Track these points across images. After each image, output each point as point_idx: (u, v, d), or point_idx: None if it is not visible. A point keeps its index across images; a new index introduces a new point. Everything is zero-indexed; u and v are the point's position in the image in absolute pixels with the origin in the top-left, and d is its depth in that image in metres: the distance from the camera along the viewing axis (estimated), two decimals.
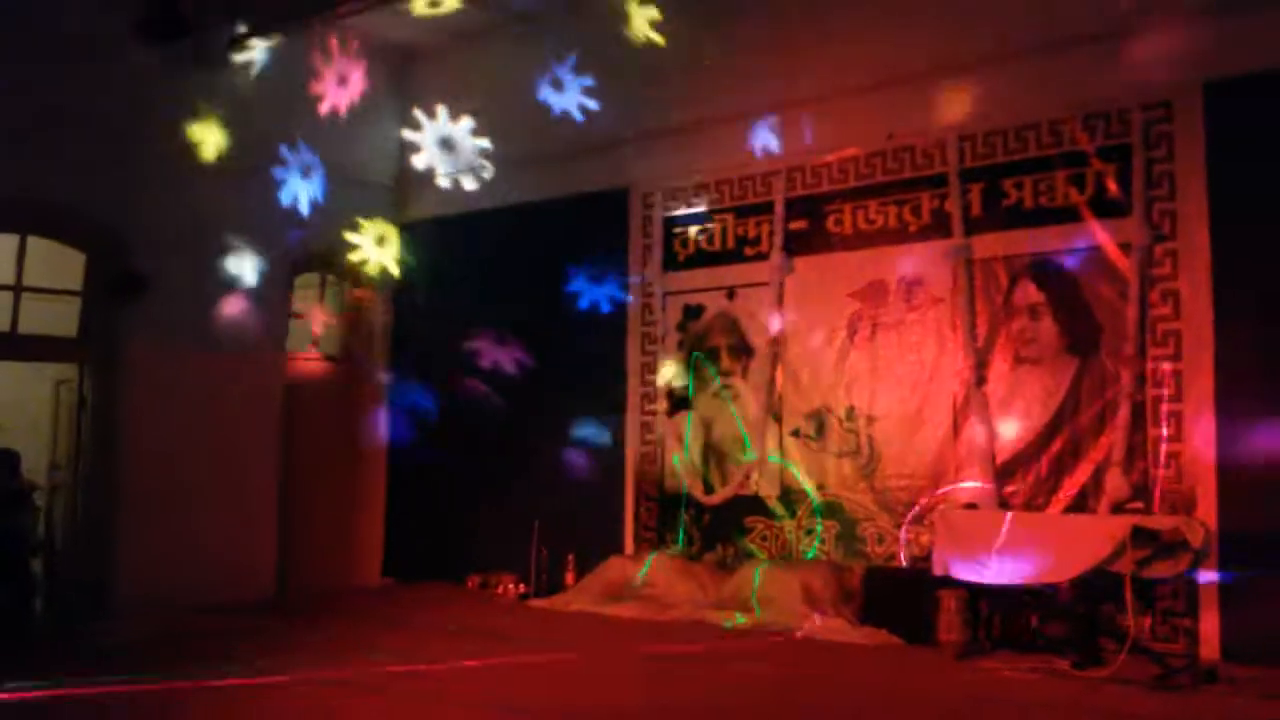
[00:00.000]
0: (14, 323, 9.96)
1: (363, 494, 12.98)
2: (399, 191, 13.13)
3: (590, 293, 11.59)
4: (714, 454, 10.84)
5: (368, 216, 12.23)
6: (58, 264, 10.36)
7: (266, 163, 11.16)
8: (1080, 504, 8.67)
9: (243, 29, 10.53)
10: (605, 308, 11.53)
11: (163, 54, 10.22)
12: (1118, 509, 8.39)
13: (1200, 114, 8.44)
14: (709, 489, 10.80)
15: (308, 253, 12.08)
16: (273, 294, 11.72)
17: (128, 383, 10.51)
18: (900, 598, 9.08)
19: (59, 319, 10.38)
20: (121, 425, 10.47)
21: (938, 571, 8.64)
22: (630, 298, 11.48)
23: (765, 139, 10.53)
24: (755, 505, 10.50)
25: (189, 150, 10.61)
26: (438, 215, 12.74)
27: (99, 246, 10.48)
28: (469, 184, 10.71)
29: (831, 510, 10.03)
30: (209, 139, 10.61)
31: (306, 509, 12.12)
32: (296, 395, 12.10)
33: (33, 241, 10.07)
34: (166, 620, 9.77)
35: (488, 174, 10.73)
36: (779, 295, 10.48)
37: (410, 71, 13.16)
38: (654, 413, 11.23)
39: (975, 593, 8.58)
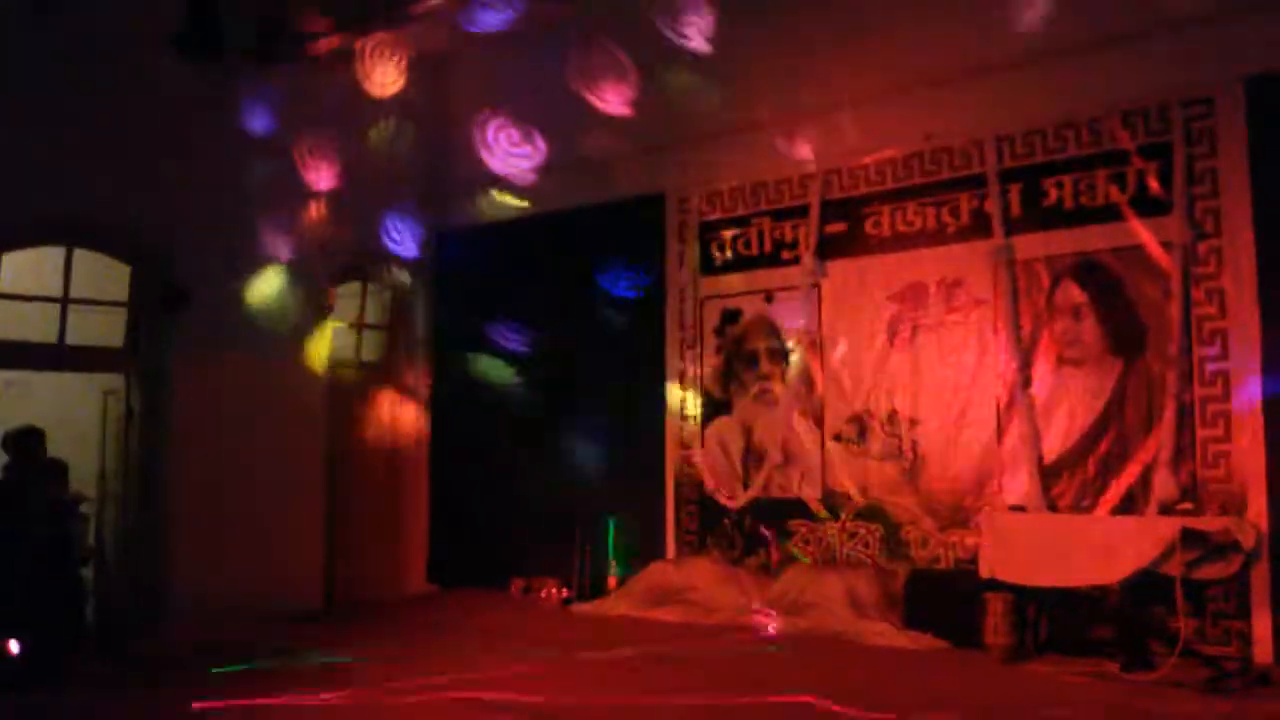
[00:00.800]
0: (61, 334, 10.07)
1: (406, 501, 13.06)
2: (436, 198, 13.17)
3: (627, 298, 11.60)
4: (754, 458, 10.82)
5: (405, 224, 12.40)
6: (104, 276, 10.47)
7: (310, 170, 11.27)
8: (1128, 505, 8.59)
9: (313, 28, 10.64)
10: (642, 312, 11.54)
11: (198, 66, 10.34)
12: (1166, 510, 8.32)
13: (1242, 109, 8.36)
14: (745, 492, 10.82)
15: (349, 261, 12.17)
16: (315, 302, 11.80)
17: (173, 394, 10.62)
18: (946, 601, 9.05)
19: (106, 331, 10.49)
20: (168, 436, 10.58)
21: (984, 574, 8.62)
22: (667, 303, 11.48)
23: (802, 142, 10.53)
24: (798, 508, 10.48)
25: (232, 161, 10.74)
26: (474, 222, 12.80)
27: (144, 258, 10.59)
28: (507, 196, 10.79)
29: (874, 514, 10.00)
30: None
31: (351, 517, 12.22)
32: (339, 403, 12.19)
33: (79, 254, 10.17)
34: (217, 630, 9.86)
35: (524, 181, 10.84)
36: (815, 298, 10.47)
37: (446, 78, 13.21)
38: (694, 417, 11.23)
39: (1022, 595, 8.53)
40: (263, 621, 10.26)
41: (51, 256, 10.13)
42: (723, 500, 10.87)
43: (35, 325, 9.99)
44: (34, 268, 10.13)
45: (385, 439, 12.83)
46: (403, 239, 12.42)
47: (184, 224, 10.60)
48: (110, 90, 10.09)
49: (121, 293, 10.57)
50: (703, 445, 11.15)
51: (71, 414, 10.87)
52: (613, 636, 9.56)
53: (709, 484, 11.03)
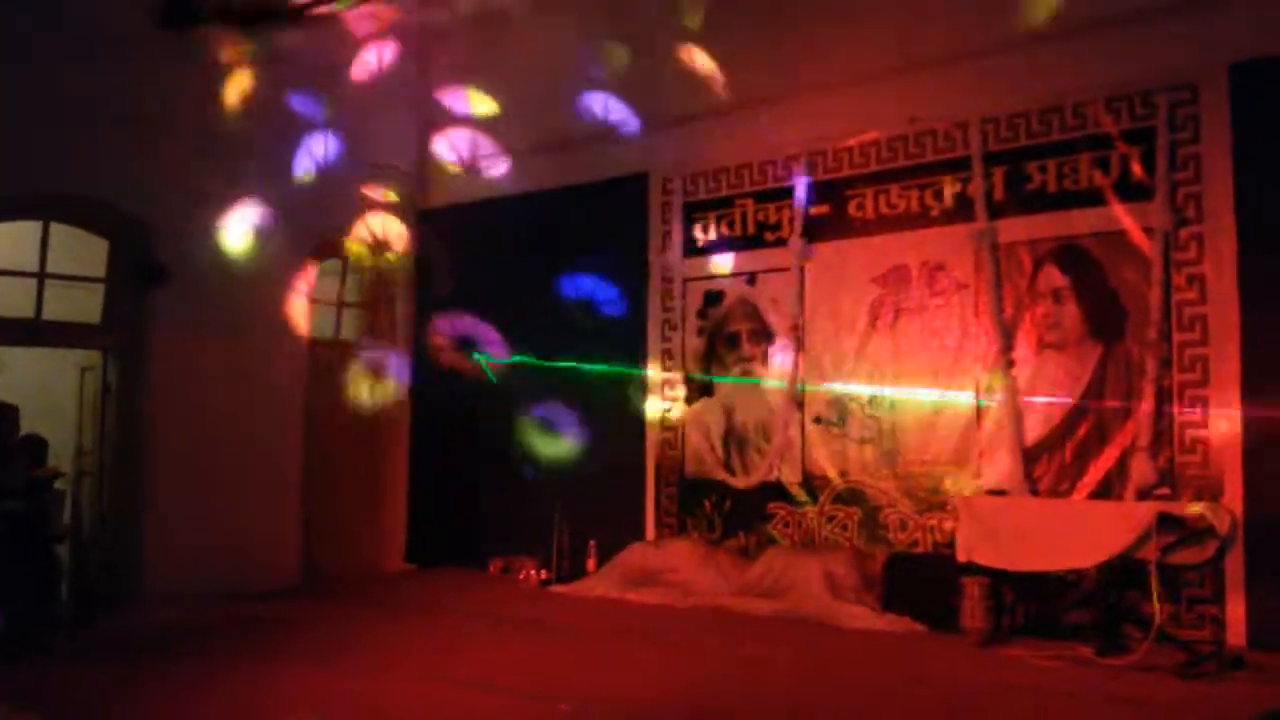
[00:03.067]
0: (38, 309, 9.99)
1: (385, 480, 13.03)
2: (419, 177, 13.09)
3: (610, 278, 11.56)
4: (735, 440, 10.81)
5: (387, 202, 12.34)
6: (81, 251, 10.39)
7: (290, 146, 11.19)
8: (1105, 490, 8.61)
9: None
10: (624, 293, 11.49)
11: (178, 37, 10.26)
12: (1143, 495, 8.34)
13: (1226, 96, 8.35)
14: (731, 475, 10.78)
15: (329, 238, 12.11)
16: (295, 280, 11.74)
17: (151, 369, 10.56)
18: (923, 584, 9.06)
19: (83, 306, 10.42)
20: (145, 412, 10.53)
21: (961, 558, 8.62)
22: (650, 284, 11.44)
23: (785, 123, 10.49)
24: (777, 491, 10.47)
25: (211, 136, 10.65)
26: (457, 201, 12.74)
27: (122, 234, 10.51)
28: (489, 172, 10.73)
29: (853, 497, 10.00)
30: None
31: (330, 495, 12.17)
32: (319, 381, 12.13)
33: (56, 228, 10.09)
34: (191, 607, 9.85)
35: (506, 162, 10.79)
36: (798, 281, 10.45)
37: (431, 55, 13.11)
38: (674, 399, 11.21)
39: (999, 579, 8.54)
40: (237, 599, 10.23)
41: (28, 231, 10.04)
42: (724, 480, 10.83)
43: (11, 300, 9.91)
44: (10, 242, 10.05)
45: (364, 417, 12.76)
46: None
47: (163, 199, 10.51)
48: (88, 62, 9.97)
49: (99, 268, 10.49)
50: (684, 427, 11.13)
51: (48, 390, 10.81)
52: (590, 617, 9.57)
53: (690, 467, 11.02)
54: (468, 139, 11.79)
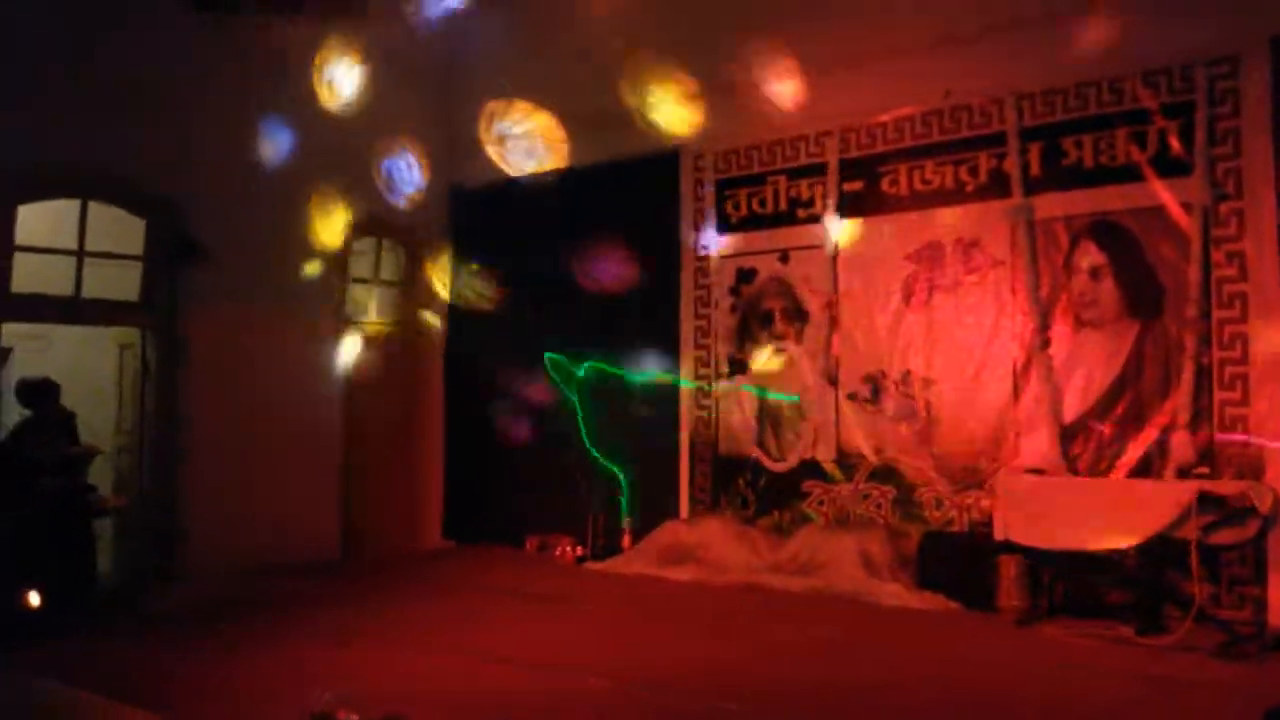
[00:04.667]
0: (77, 287, 10.06)
1: (423, 457, 13.10)
2: (450, 155, 13.09)
3: (642, 255, 11.54)
4: (770, 418, 10.80)
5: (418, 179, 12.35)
6: (120, 230, 10.46)
7: (326, 124, 11.23)
8: (1145, 469, 8.56)
9: None
10: (657, 272, 11.47)
11: (213, 17, 10.30)
12: (1183, 474, 8.29)
13: (1266, 69, 8.22)
14: (766, 454, 10.77)
15: (365, 216, 12.15)
16: (332, 258, 11.79)
17: (189, 347, 10.64)
18: (959, 563, 9.04)
19: (121, 284, 10.49)
20: (184, 389, 10.62)
21: (998, 537, 8.59)
22: (682, 261, 11.42)
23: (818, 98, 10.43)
24: (812, 469, 10.46)
25: (248, 114, 10.71)
26: (488, 180, 12.72)
27: (158, 212, 10.57)
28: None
29: (888, 475, 9.98)
30: None
31: (368, 472, 12.26)
32: (356, 358, 12.19)
33: (94, 207, 10.15)
34: (231, 582, 9.96)
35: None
36: (832, 258, 10.41)
37: (458, 33, 13.08)
38: (708, 377, 11.20)
39: (1036, 558, 8.52)
40: (276, 574, 10.34)
41: (67, 210, 10.12)
42: (763, 463, 10.83)
43: (51, 278, 9.99)
44: (50, 221, 10.13)
45: (403, 395, 12.82)
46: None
47: (199, 177, 10.57)
48: (124, 42, 10.04)
49: (137, 246, 10.56)
50: (717, 405, 11.13)
51: (88, 368, 10.91)
52: (624, 594, 9.61)
53: (724, 445, 11.02)
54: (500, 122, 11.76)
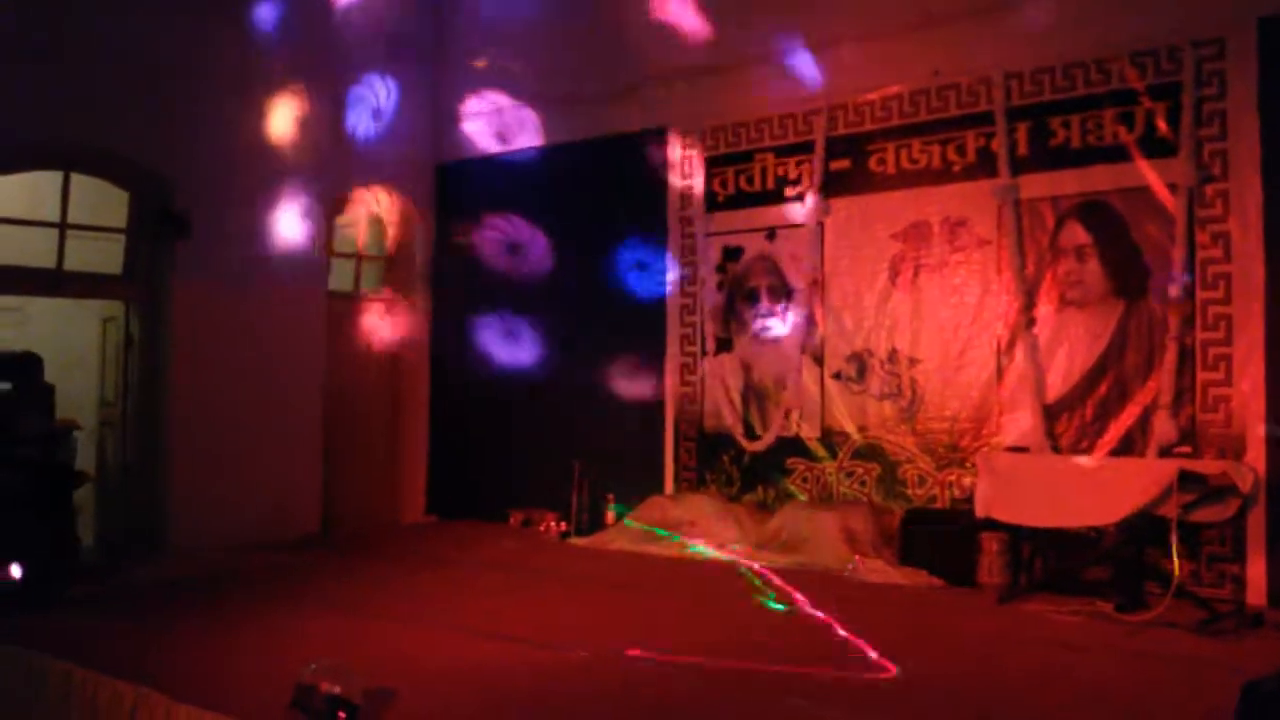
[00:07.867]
0: (60, 259, 10.01)
1: (406, 431, 13.07)
2: (434, 131, 13.04)
3: (628, 233, 11.53)
4: (755, 396, 10.82)
5: (402, 156, 12.32)
6: (102, 202, 10.39)
7: (313, 98, 11.18)
8: (1127, 447, 8.61)
9: None
10: (643, 248, 11.47)
11: None
12: (1165, 452, 8.34)
13: (1254, 51, 8.22)
14: (750, 431, 10.79)
15: (349, 191, 12.10)
16: (316, 231, 11.75)
17: (173, 321, 10.58)
18: (941, 539, 9.07)
19: (105, 257, 10.44)
20: (167, 362, 10.56)
21: (980, 514, 8.64)
22: (669, 238, 11.40)
23: (806, 75, 10.42)
24: (796, 447, 10.49)
25: (234, 88, 10.64)
26: (473, 156, 12.70)
27: (143, 184, 10.50)
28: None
29: (872, 453, 10.02)
30: None
31: (351, 447, 12.24)
32: (339, 333, 12.17)
33: (76, 179, 10.08)
34: (213, 557, 9.95)
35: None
36: (818, 236, 10.41)
37: (443, 9, 13.03)
38: (694, 354, 11.21)
39: (1018, 535, 8.57)
40: (258, 549, 10.33)
41: (49, 181, 10.04)
42: (740, 440, 10.84)
43: (33, 250, 9.93)
44: (31, 192, 10.06)
45: (385, 369, 12.80)
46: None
47: (184, 150, 10.52)
48: (108, 12, 9.95)
49: (120, 219, 10.49)
50: (703, 382, 11.14)
51: (70, 341, 10.86)
52: (608, 569, 9.63)
53: (709, 422, 11.04)
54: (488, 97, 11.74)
